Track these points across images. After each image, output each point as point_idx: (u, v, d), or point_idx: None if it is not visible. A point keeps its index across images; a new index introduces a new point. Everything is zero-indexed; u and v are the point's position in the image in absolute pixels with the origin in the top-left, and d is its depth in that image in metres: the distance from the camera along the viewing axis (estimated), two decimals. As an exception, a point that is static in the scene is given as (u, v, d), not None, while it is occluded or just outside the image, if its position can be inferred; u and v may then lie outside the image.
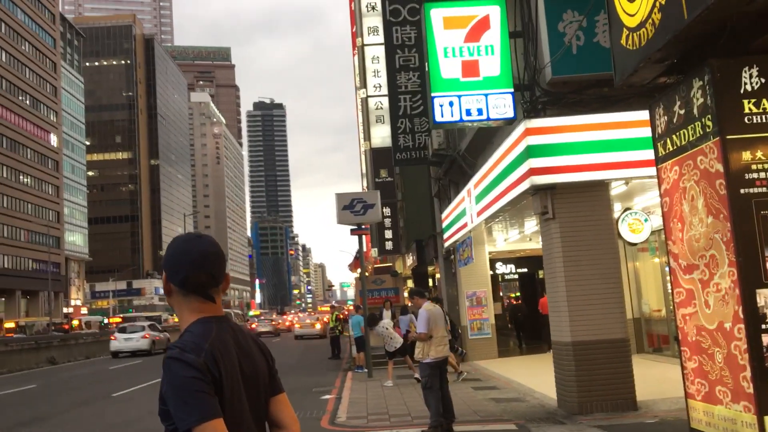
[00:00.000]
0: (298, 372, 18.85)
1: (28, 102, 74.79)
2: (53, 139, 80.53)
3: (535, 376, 12.62)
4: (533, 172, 9.16)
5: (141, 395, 15.10)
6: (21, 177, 72.34)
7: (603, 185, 9.40)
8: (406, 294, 31.25)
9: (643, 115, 7.26)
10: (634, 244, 10.87)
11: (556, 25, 9.20)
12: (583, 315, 9.14)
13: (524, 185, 9.41)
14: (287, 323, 62.47)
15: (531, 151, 9.18)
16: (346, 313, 28.61)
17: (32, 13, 77.40)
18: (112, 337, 31.69)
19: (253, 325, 50.30)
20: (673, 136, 5.34)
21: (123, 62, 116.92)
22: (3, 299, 69.08)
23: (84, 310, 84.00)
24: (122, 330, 31.67)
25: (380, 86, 30.70)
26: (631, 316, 14.54)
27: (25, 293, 72.88)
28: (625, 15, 5.38)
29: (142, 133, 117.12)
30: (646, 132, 7.03)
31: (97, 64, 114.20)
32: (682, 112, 5.17)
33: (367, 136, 33.88)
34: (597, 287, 9.21)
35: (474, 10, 10.12)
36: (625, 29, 5.40)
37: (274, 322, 56.50)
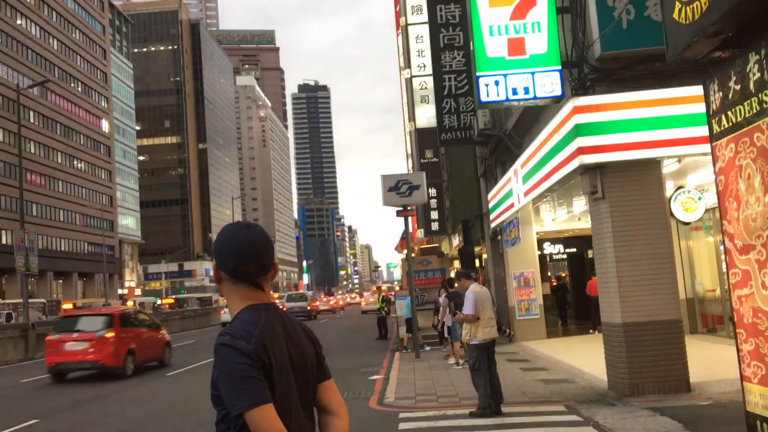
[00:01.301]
0: (345, 353, 19.04)
1: (79, 89, 76.51)
2: (105, 125, 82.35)
3: (584, 357, 12.49)
4: (582, 151, 9.00)
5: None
6: (75, 162, 74.26)
7: (654, 163, 9.18)
8: (452, 275, 31.20)
9: (697, 90, 7.05)
10: (688, 223, 10.61)
11: (605, -1, 8.97)
12: (634, 296, 8.99)
13: (573, 164, 9.26)
14: (332, 303, 66.45)
15: (579, 130, 9.01)
16: (393, 294, 28.71)
17: (82, 1, 78.94)
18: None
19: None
20: (729, 113, 5.17)
21: (170, 48, 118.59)
22: (61, 281, 71.33)
23: (138, 291, 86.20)
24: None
25: (424, 66, 30.49)
26: (684, 296, 14.25)
27: (82, 275, 75.07)
28: (678, -12, 5.21)
29: (190, 117, 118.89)
30: (700, 108, 6.82)
31: (145, 50, 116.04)
32: (737, 87, 5.00)
33: (412, 117, 33.74)
34: (648, 268, 9.04)
35: (520, -13, 9.93)
36: (677, 2, 5.23)
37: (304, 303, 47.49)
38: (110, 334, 15.84)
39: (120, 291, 79.72)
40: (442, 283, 14.77)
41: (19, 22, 65.82)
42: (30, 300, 32.38)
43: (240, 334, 1.88)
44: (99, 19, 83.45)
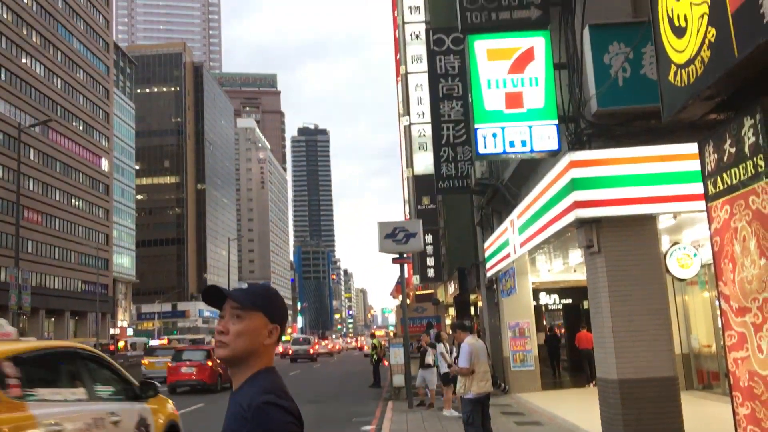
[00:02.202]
0: (338, 401, 18.78)
1: (81, 128, 77.05)
2: (104, 164, 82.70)
3: (579, 412, 12.32)
4: (578, 204, 9.03)
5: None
6: (73, 200, 74.33)
7: (650, 219, 9.21)
8: (448, 322, 30.98)
9: (692, 148, 7.11)
10: (683, 280, 10.60)
11: (602, 56, 9.12)
12: (629, 352, 8.92)
13: (569, 218, 9.28)
14: (330, 347, 69.39)
15: (576, 184, 9.06)
16: (385, 342, 28.42)
17: (87, 42, 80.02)
18: None
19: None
20: (724, 175, 5.20)
21: (173, 89, 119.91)
22: (53, 320, 70.70)
23: (130, 331, 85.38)
24: None
25: (423, 114, 30.85)
26: (680, 351, 14.14)
27: (74, 314, 74.47)
28: (673, 51, 5.30)
29: (190, 157, 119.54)
30: (695, 165, 6.88)
31: (148, 91, 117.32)
32: (732, 150, 5.04)
33: (410, 163, 33.98)
34: (644, 323, 8.99)
35: (518, 42, 10.11)
36: (673, 65, 5.32)
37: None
38: (209, 362, 22.24)
39: (112, 330, 78.97)
40: (427, 330, 14.65)
41: (24, 61, 66.61)
42: (21, 338, 31.99)
43: (281, 393, 1.95)
44: (103, 59, 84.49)
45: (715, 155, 5.35)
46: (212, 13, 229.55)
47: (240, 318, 2.04)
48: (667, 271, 9.92)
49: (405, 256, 17.73)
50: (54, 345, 6.19)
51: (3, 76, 62.76)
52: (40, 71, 69.54)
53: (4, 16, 63.55)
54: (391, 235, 16.87)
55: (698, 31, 4.90)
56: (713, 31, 4.68)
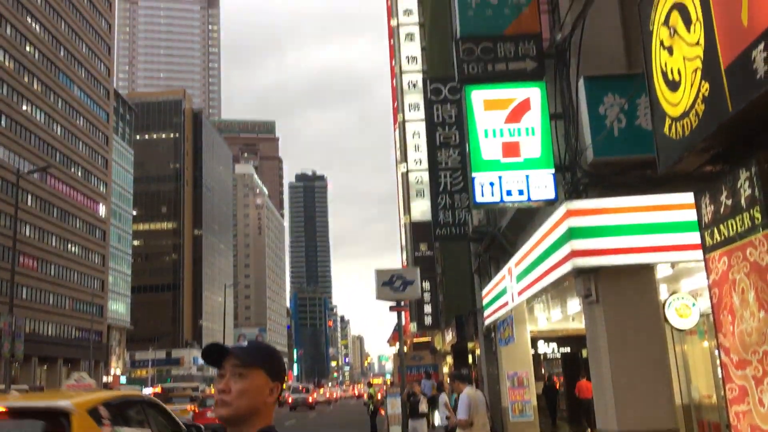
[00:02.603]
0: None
1: (79, 174, 77.37)
2: (102, 210, 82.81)
3: (580, 464, 12.11)
4: (575, 254, 9.03)
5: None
6: (69, 246, 74.16)
7: (648, 268, 9.20)
8: (445, 371, 30.67)
9: (688, 197, 7.14)
10: (683, 330, 10.54)
11: (597, 107, 9.24)
12: (630, 403, 8.81)
13: (566, 267, 9.27)
14: (328, 395, 70.36)
15: (573, 233, 9.08)
16: (382, 391, 28.08)
17: (87, 89, 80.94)
18: None
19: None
20: (721, 226, 5.22)
21: (172, 135, 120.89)
22: (45, 367, 69.81)
23: (123, 379, 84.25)
24: None
25: (420, 161, 31.08)
26: (680, 402, 13.96)
27: (67, 361, 73.58)
28: (668, 104, 5.37)
29: (188, 203, 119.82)
30: (692, 215, 6.89)
31: (147, 137, 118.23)
32: (729, 202, 5.07)
33: (407, 210, 34.09)
34: (644, 374, 8.90)
35: (514, 93, 10.25)
36: (667, 118, 5.38)
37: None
38: None
39: (105, 378, 77.92)
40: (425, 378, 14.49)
41: (24, 107, 67.26)
42: (13, 386, 31.58)
43: None
44: (103, 106, 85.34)
45: (712, 206, 5.38)
46: (212, 61, 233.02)
47: (242, 376, 2.03)
48: (666, 320, 9.87)
49: (402, 303, 17.63)
50: (128, 394, 7.79)
51: (3, 122, 63.29)
52: (41, 118, 70.16)
53: (6, 64, 64.40)
54: (389, 283, 16.79)
55: (692, 85, 4.98)
56: (707, 85, 4.76)
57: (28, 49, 68.37)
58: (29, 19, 68.87)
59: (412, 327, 36.70)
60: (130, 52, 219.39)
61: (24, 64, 67.38)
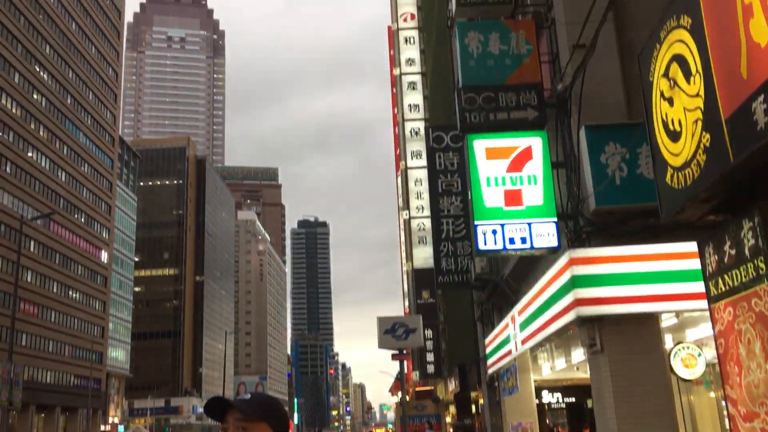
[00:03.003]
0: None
1: (83, 220, 77.55)
2: (104, 256, 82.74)
3: None
4: (579, 302, 8.98)
5: None
6: (70, 292, 73.88)
7: (653, 317, 9.14)
8: (448, 420, 30.20)
9: (692, 246, 7.13)
10: (689, 380, 10.40)
11: (599, 156, 9.30)
12: (636, 455, 8.64)
13: (570, 316, 9.21)
14: None
15: (576, 281, 9.04)
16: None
17: (93, 136, 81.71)
18: None
19: None
20: (725, 276, 5.20)
21: (175, 182, 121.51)
22: (43, 416, 68.82)
23: (121, 429, 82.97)
24: None
25: (423, 208, 31.17)
26: (688, 453, 13.69)
27: (65, 409, 72.56)
28: (669, 154, 5.41)
29: (190, 250, 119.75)
30: (696, 264, 6.88)
31: (150, 183, 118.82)
32: (733, 252, 5.06)
33: (410, 257, 34.02)
34: (650, 425, 8.76)
35: (516, 142, 10.34)
36: (669, 168, 5.41)
37: None
38: None
39: (103, 428, 76.75)
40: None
41: (30, 154, 67.82)
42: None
43: None
44: (108, 153, 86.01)
45: (716, 256, 5.36)
46: (217, 108, 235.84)
47: (246, 430, 2.02)
48: (672, 371, 9.75)
49: (405, 352, 17.47)
50: None
51: (8, 168, 63.74)
52: (46, 164, 70.68)
53: (13, 111, 65.18)
54: (391, 331, 16.66)
55: (693, 136, 5.02)
56: (708, 136, 4.80)
57: (35, 96, 69.27)
58: (37, 68, 69.95)
59: (415, 375, 36.29)
60: (136, 99, 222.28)
61: (31, 111, 68.19)
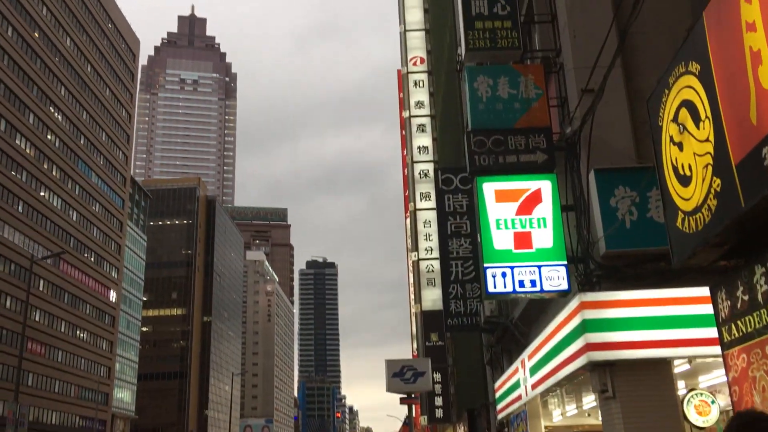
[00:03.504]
0: None
1: (92, 259, 77.79)
2: (112, 295, 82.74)
3: None
4: (590, 347, 8.87)
5: None
6: (78, 332, 73.72)
7: (665, 363, 9.00)
8: (457, 466, 29.61)
9: (704, 291, 7.07)
10: (702, 428, 10.19)
11: (608, 199, 9.29)
12: (650, 506, 8.44)
13: (581, 360, 9.09)
14: None
15: (587, 326, 8.94)
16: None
17: (105, 176, 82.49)
18: None
19: None
20: (738, 322, 5.14)
21: (185, 222, 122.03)
22: (46, 457, 68.12)
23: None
24: None
25: (431, 249, 31.09)
26: (704, 504, 13.36)
27: (69, 451, 71.88)
28: (680, 199, 5.40)
29: (198, 289, 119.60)
30: (708, 309, 6.80)
31: (160, 223, 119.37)
32: (746, 297, 5.01)
33: (418, 299, 33.82)
34: (664, 474, 8.56)
35: (525, 184, 10.34)
36: (680, 212, 5.40)
37: None
38: None
39: (107, 470, 75.77)
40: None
41: (42, 194, 68.42)
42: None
43: None
44: (120, 193, 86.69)
45: (728, 302, 5.31)
46: (227, 149, 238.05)
47: None
48: (685, 418, 9.57)
49: (413, 396, 17.25)
50: None
51: (20, 208, 64.26)
52: (57, 204, 71.23)
53: (27, 151, 66.00)
54: (399, 374, 16.48)
55: (703, 181, 5.01)
56: (718, 180, 4.79)
57: (49, 137, 70.19)
58: (52, 109, 71.02)
59: (423, 420, 35.74)
60: (148, 140, 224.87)
61: (44, 151, 69.01)
